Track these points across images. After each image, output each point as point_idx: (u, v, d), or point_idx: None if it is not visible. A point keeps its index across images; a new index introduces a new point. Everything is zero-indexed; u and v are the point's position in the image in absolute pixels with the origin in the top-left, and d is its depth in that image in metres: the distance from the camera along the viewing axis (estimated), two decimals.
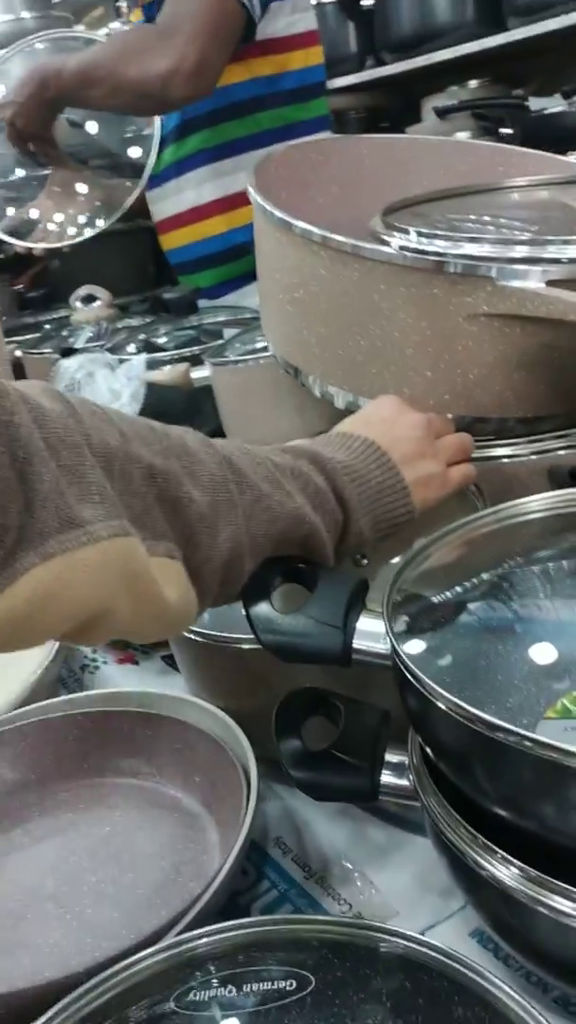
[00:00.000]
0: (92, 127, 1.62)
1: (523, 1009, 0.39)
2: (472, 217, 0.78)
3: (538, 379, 0.71)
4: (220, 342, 1.18)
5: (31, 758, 0.68)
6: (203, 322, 1.34)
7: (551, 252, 0.68)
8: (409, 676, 0.43)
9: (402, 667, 0.44)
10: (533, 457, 0.74)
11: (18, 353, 1.45)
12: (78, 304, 1.53)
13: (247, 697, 0.65)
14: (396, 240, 0.73)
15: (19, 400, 0.41)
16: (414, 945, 0.44)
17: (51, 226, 1.52)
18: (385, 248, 0.71)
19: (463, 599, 0.53)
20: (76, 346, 1.33)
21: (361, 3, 2.24)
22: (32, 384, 0.45)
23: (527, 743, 0.37)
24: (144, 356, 1.15)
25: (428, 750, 0.47)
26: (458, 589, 0.54)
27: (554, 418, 0.74)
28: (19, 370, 1.40)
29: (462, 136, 1.96)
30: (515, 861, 0.41)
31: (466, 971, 0.42)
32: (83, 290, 1.52)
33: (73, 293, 1.54)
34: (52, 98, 1.32)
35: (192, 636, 0.64)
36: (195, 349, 1.22)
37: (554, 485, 0.70)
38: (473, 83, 2.19)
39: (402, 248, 0.71)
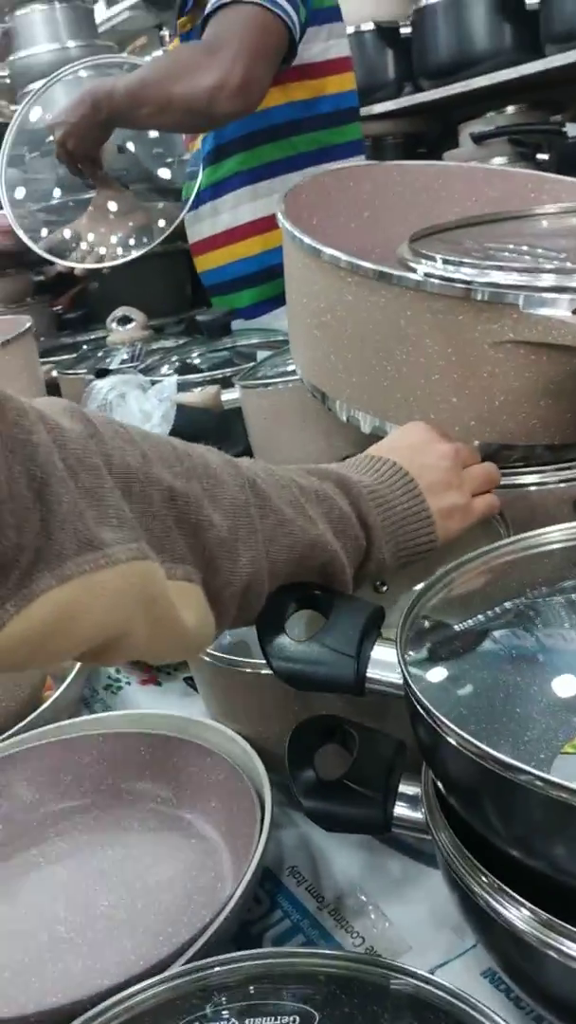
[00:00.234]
0: (136, 151, 1.65)
1: None
2: (501, 244, 0.78)
3: (565, 406, 0.71)
4: (251, 364, 1.19)
5: (50, 778, 0.68)
6: (236, 344, 1.35)
7: None
8: (420, 709, 0.43)
9: (413, 699, 0.43)
10: (560, 485, 0.73)
11: (54, 373, 1.47)
12: (114, 325, 1.55)
13: (264, 722, 0.65)
14: (423, 267, 0.73)
15: (38, 420, 0.41)
16: (423, 984, 0.43)
17: (94, 247, 1.54)
18: (411, 275, 0.71)
19: (482, 628, 0.52)
20: (111, 367, 1.34)
21: (399, 30, 2.26)
22: (54, 402, 0.45)
23: (539, 783, 0.37)
24: (175, 378, 1.15)
25: (440, 784, 0.47)
26: (477, 618, 0.53)
27: None
28: (54, 390, 1.42)
29: (498, 162, 1.96)
30: (526, 903, 0.40)
31: (474, 1013, 0.41)
32: (119, 312, 1.54)
33: (110, 315, 1.56)
34: (104, 120, 1.35)
35: (210, 660, 0.64)
36: (228, 371, 1.22)
37: None
38: (510, 109, 2.19)
39: (428, 275, 0.71)
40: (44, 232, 1.59)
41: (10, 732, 0.71)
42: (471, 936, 0.52)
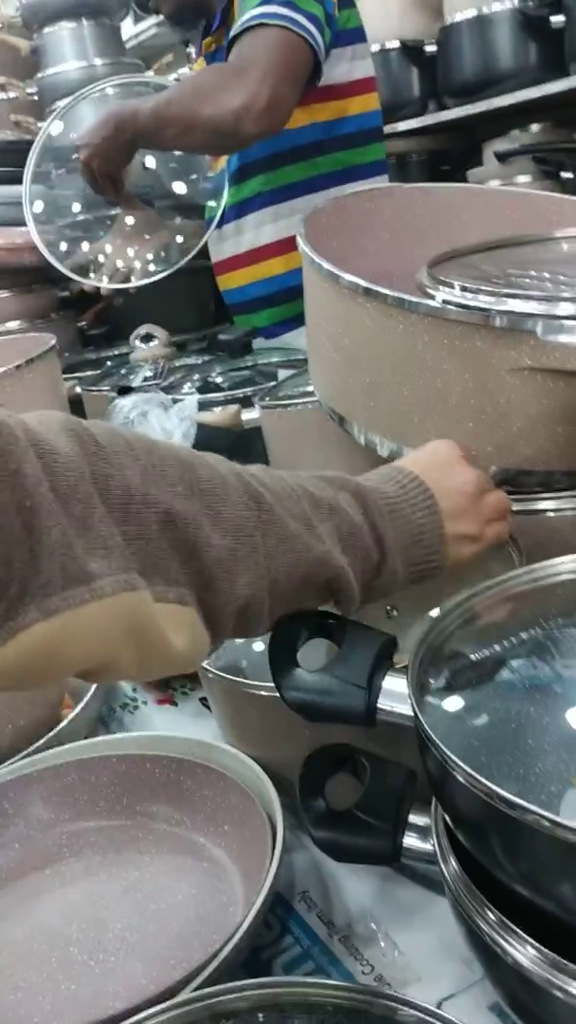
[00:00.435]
0: (161, 170, 1.67)
1: None
2: (520, 270, 0.78)
3: None
4: (272, 384, 1.20)
5: (65, 798, 0.69)
6: (258, 363, 1.35)
7: None
8: (428, 743, 0.43)
9: (422, 732, 0.44)
10: None
11: (78, 390, 1.49)
12: (137, 343, 1.56)
13: (276, 745, 0.65)
14: (441, 293, 0.74)
15: (29, 447, 0.40)
16: (429, 1018, 0.43)
17: (118, 265, 1.56)
18: (429, 302, 0.72)
19: (494, 659, 0.52)
20: (133, 384, 1.35)
21: (424, 48, 2.27)
22: (52, 419, 0.44)
23: (545, 823, 0.37)
24: (196, 397, 1.16)
25: (448, 818, 0.47)
26: (490, 648, 0.53)
27: None
28: (78, 406, 1.43)
29: (522, 180, 1.96)
30: (533, 942, 0.40)
31: None
32: (142, 329, 1.56)
33: (133, 331, 1.58)
34: (127, 141, 1.36)
35: (224, 682, 0.65)
36: (248, 390, 1.23)
37: None
38: (535, 127, 2.19)
39: (446, 302, 0.72)
40: (66, 248, 1.61)
41: (28, 751, 0.72)
42: (478, 968, 0.52)
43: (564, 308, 0.68)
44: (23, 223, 1.61)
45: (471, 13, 2.09)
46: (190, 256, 1.56)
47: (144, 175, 1.61)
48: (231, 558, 0.47)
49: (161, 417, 1.16)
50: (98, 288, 1.59)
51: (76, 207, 1.68)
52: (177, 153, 1.73)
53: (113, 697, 0.88)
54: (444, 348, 0.72)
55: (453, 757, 0.41)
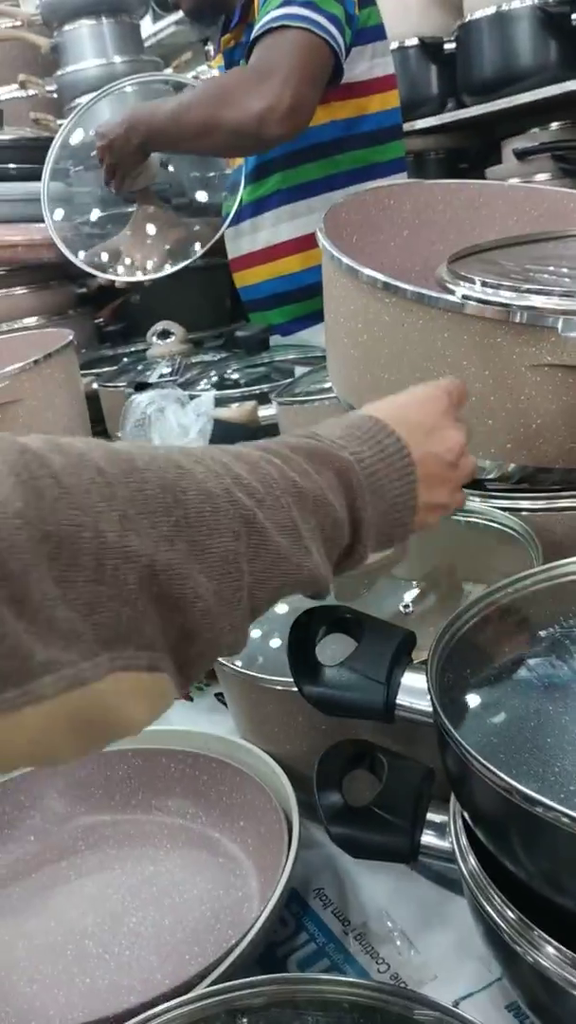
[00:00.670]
0: (178, 167, 1.67)
1: None
2: (540, 266, 0.78)
3: None
4: (289, 380, 1.19)
5: (81, 791, 0.69)
6: (274, 359, 1.35)
7: None
8: (448, 738, 0.43)
9: (442, 728, 0.43)
10: None
11: (95, 386, 1.49)
12: (154, 339, 1.56)
13: (293, 741, 0.65)
14: (461, 289, 0.73)
15: None
16: (446, 1017, 0.43)
17: (133, 260, 1.56)
18: (449, 297, 0.71)
19: (513, 657, 0.52)
20: (150, 380, 1.36)
21: (443, 46, 2.26)
22: (5, 455, 0.36)
23: (565, 819, 0.36)
24: (213, 393, 1.16)
25: (467, 815, 0.46)
26: (507, 647, 0.53)
27: None
28: (95, 402, 1.44)
29: (541, 178, 1.95)
30: (552, 941, 0.39)
31: None
32: (159, 325, 1.56)
33: (150, 328, 1.58)
34: (138, 144, 1.38)
35: (240, 676, 0.64)
36: (265, 386, 1.23)
37: None
38: (554, 125, 2.18)
39: (466, 297, 0.71)
40: (83, 243, 1.61)
41: None
42: (495, 967, 0.52)
43: None
44: (42, 220, 1.61)
45: (491, 10, 2.07)
46: (204, 250, 1.56)
47: (161, 172, 1.61)
48: (218, 602, 0.41)
49: (178, 413, 1.16)
50: (114, 284, 1.59)
51: (94, 204, 1.69)
52: None
53: None
54: (464, 344, 0.71)
55: (474, 753, 0.40)
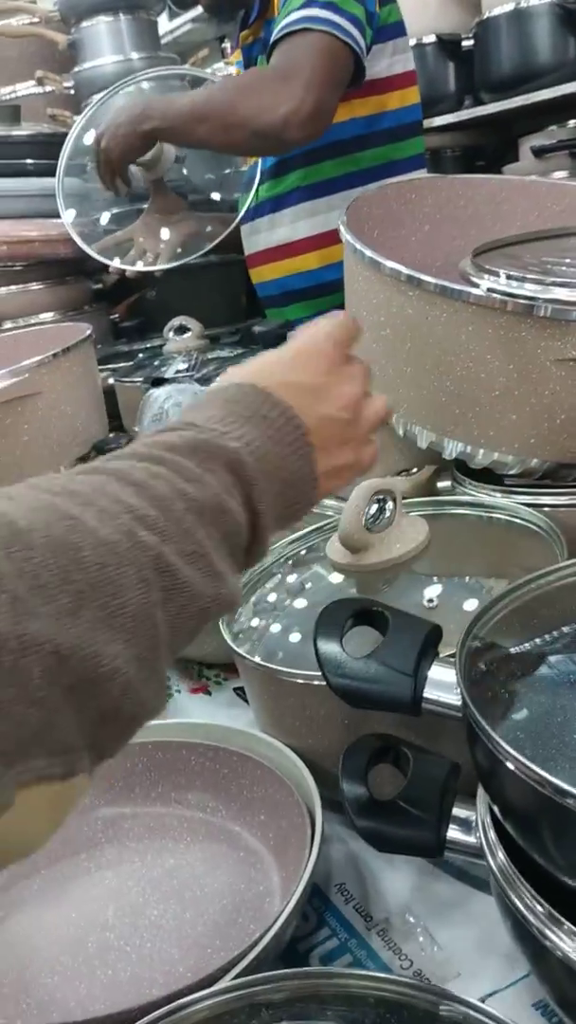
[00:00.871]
0: (194, 162, 1.67)
1: None
2: (564, 260, 0.77)
3: None
4: None
5: (101, 783, 0.69)
6: None
7: None
8: (479, 731, 0.42)
9: (472, 721, 0.43)
10: None
11: (111, 381, 1.49)
12: (171, 334, 1.56)
13: (314, 735, 0.64)
14: (485, 282, 0.73)
15: None
16: (474, 1013, 0.42)
17: (146, 251, 1.56)
18: (474, 290, 0.71)
19: (540, 651, 0.52)
20: (167, 375, 1.35)
21: (461, 43, 2.26)
22: None
23: None
24: None
25: (496, 808, 0.46)
26: (535, 641, 0.52)
27: None
28: (111, 397, 1.44)
29: (559, 175, 1.94)
30: None
31: None
32: (176, 321, 1.56)
33: (167, 323, 1.58)
34: (146, 130, 1.35)
35: (264, 670, 0.64)
36: None
37: None
38: (572, 123, 2.17)
39: (491, 290, 0.71)
40: (98, 237, 1.61)
41: None
42: (521, 965, 0.52)
43: None
44: (58, 215, 1.61)
45: (509, 7, 2.07)
46: (217, 241, 1.55)
47: (176, 167, 1.61)
48: (138, 670, 0.35)
49: None
50: (127, 277, 1.59)
51: (109, 199, 1.69)
52: None
53: None
54: (488, 338, 0.71)
55: (506, 745, 0.40)
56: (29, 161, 1.74)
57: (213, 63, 2.69)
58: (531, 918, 0.41)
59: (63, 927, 0.59)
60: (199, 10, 1.69)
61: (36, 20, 2.05)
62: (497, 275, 0.72)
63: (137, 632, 0.36)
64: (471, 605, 0.64)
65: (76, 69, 2.00)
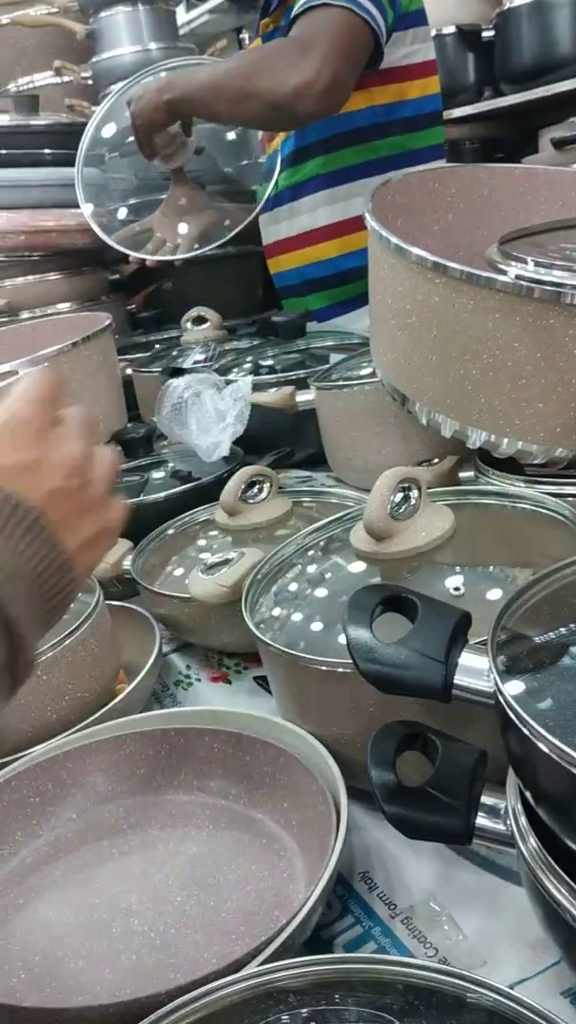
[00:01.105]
0: (213, 152, 1.67)
1: None
2: None
3: None
4: (326, 367, 1.19)
5: (124, 770, 0.69)
6: (310, 346, 1.34)
7: None
8: (513, 716, 0.42)
9: (506, 706, 0.43)
10: None
11: (129, 371, 1.49)
12: (188, 325, 1.56)
13: (339, 722, 0.64)
14: (513, 269, 0.72)
15: None
16: (503, 999, 0.42)
17: (165, 241, 1.56)
18: (501, 277, 0.70)
19: (569, 640, 0.51)
20: (184, 366, 1.35)
21: (481, 33, 2.24)
22: None
23: None
24: (250, 378, 1.16)
25: (528, 795, 0.46)
26: (564, 629, 0.52)
27: None
28: (129, 388, 1.44)
29: None
30: None
31: None
32: (194, 311, 1.55)
33: (184, 314, 1.58)
34: (169, 100, 1.35)
35: (288, 657, 0.64)
36: (301, 373, 1.22)
37: None
38: None
39: (519, 277, 0.70)
40: (116, 227, 1.61)
41: (84, 723, 0.72)
42: (548, 954, 0.51)
43: None
44: (76, 205, 1.61)
45: None
46: (237, 230, 1.55)
47: (196, 158, 1.61)
48: None
49: (215, 398, 1.15)
50: (147, 269, 1.59)
51: (128, 189, 1.69)
52: (230, 136, 1.73)
53: (167, 673, 0.88)
54: (515, 325, 0.70)
55: (541, 730, 0.39)
56: (47, 151, 1.74)
57: (230, 54, 2.69)
58: (565, 903, 0.41)
59: (87, 913, 0.58)
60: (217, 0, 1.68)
61: (55, 10, 2.05)
62: (525, 262, 0.72)
63: None
64: (495, 594, 0.64)
65: (94, 59, 2.00)
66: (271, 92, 1.23)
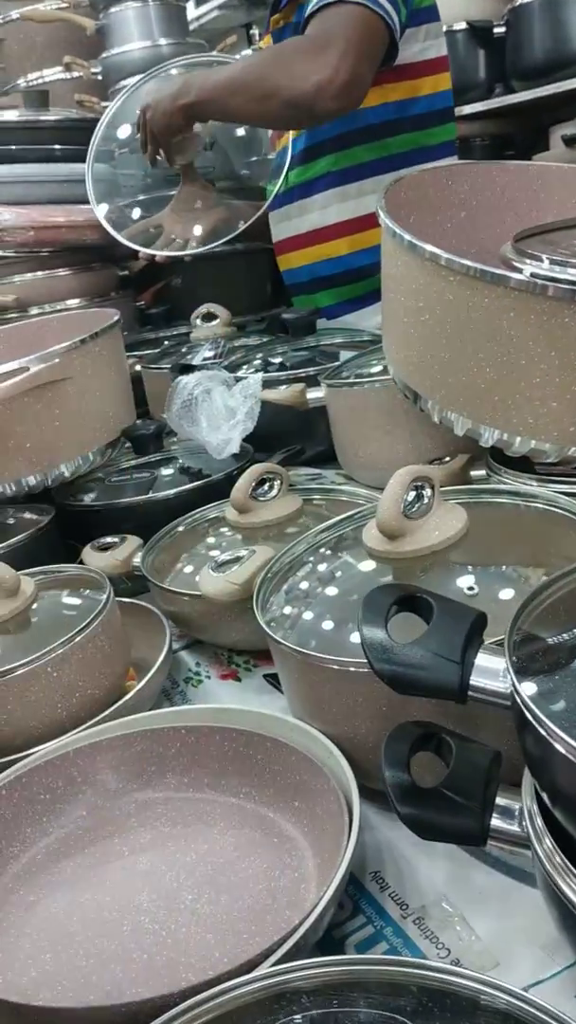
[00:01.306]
0: (223, 149, 1.66)
1: None
2: None
3: None
4: (336, 364, 1.18)
5: (134, 768, 0.69)
6: (320, 343, 1.34)
7: None
8: (530, 717, 0.41)
9: (523, 707, 0.42)
10: None
11: (138, 368, 1.49)
12: (198, 322, 1.55)
13: (351, 722, 0.64)
14: (528, 267, 0.72)
15: None
16: (517, 1001, 0.42)
17: (174, 237, 1.55)
18: (516, 275, 0.70)
19: None
20: (194, 363, 1.35)
21: (492, 30, 2.23)
22: None
23: None
24: (260, 375, 1.15)
25: (544, 796, 0.45)
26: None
27: None
28: (138, 384, 1.43)
29: None
30: None
31: None
32: (203, 308, 1.55)
33: (193, 311, 1.57)
34: (188, 104, 1.34)
35: (299, 656, 0.63)
36: (311, 370, 1.22)
37: None
38: None
39: (534, 275, 0.70)
40: (128, 226, 1.61)
41: (94, 720, 0.72)
42: (563, 957, 0.51)
43: None
44: (86, 201, 1.61)
45: None
46: (246, 226, 1.54)
47: (206, 155, 1.60)
48: None
49: (224, 395, 1.15)
50: (156, 265, 1.58)
51: (138, 185, 1.68)
52: (239, 133, 1.72)
53: (177, 671, 0.88)
54: (530, 323, 0.70)
55: (558, 731, 0.39)
56: (56, 147, 1.73)
57: (240, 50, 2.68)
58: None
59: (98, 911, 0.58)
60: None
61: (64, 5, 2.05)
62: (540, 260, 0.71)
63: None
64: (509, 594, 0.63)
65: (104, 55, 1.99)
66: (290, 91, 1.22)
